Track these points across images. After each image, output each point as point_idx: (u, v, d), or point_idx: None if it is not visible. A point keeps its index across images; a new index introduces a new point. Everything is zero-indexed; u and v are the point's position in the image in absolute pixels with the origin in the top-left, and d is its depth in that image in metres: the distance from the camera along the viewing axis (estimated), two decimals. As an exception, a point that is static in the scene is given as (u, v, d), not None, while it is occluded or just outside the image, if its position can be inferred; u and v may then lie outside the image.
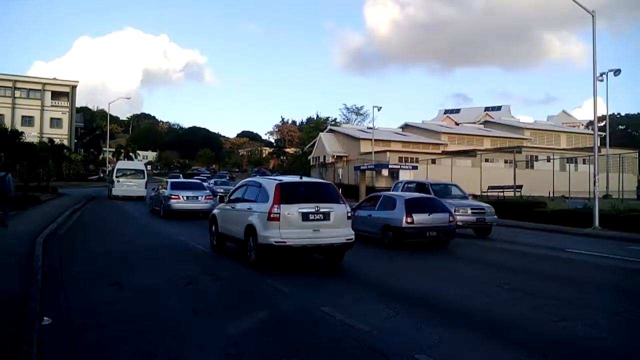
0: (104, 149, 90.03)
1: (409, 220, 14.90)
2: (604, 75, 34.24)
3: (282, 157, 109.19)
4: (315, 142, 72.57)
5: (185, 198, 23.71)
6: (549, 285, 10.46)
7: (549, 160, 43.63)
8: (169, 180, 27.72)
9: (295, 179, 12.21)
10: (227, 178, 64.99)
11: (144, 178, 36.37)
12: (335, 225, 11.03)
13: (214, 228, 13.94)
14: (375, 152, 52.45)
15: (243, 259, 11.84)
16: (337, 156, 64.00)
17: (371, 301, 8.72)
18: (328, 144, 66.61)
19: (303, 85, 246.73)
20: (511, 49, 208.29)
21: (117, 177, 36.02)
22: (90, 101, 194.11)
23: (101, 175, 74.01)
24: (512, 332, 7.07)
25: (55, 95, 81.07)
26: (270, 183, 11.63)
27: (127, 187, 35.49)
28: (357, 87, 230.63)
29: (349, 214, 11.52)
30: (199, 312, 7.79)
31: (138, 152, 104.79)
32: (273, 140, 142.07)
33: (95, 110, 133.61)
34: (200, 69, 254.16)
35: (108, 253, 13.39)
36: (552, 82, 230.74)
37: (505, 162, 51.19)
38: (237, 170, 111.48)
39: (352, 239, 11.33)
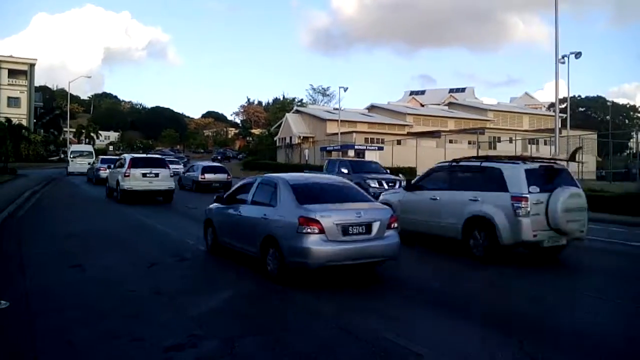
0: (65, 129, 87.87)
1: None
2: (565, 58, 34.92)
3: (248, 138, 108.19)
4: (282, 122, 72.27)
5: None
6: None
7: (511, 142, 44.39)
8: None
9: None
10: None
11: (92, 158, 42.43)
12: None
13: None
14: (342, 133, 52.54)
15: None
16: (304, 137, 63.89)
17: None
18: (294, 125, 66.41)
19: (269, 65, 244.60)
20: (476, 31, 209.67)
21: (71, 158, 45.36)
22: (50, 80, 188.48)
23: (62, 156, 72.20)
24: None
25: (13, 73, 78.44)
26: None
27: (79, 165, 42.78)
28: (324, 68, 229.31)
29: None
30: (161, 293, 7.72)
31: (100, 132, 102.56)
32: (239, 121, 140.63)
33: (55, 89, 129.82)
34: (164, 48, 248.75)
35: (69, 235, 13.11)
36: (515, 64, 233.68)
37: (469, 143, 51.89)
38: (202, 151, 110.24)
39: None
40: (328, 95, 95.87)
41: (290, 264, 8.12)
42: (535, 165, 10.91)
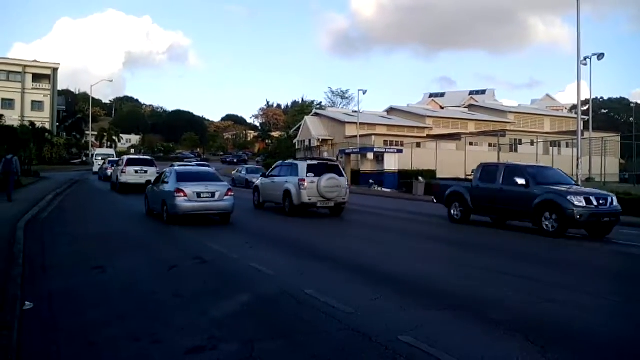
0: (87, 132, 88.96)
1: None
2: (587, 60, 34.43)
3: (267, 141, 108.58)
4: (301, 125, 72.35)
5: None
6: (536, 269, 10.57)
7: (532, 144, 43.93)
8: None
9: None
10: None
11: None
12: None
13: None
14: (361, 136, 52.42)
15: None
16: (323, 140, 63.90)
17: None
18: (313, 128, 66.46)
19: (288, 68, 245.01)
20: (496, 33, 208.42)
21: (95, 159, 51.52)
22: (72, 84, 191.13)
23: (84, 159, 73.15)
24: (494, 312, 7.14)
25: (36, 77, 79.68)
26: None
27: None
28: (343, 71, 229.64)
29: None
30: (181, 295, 7.77)
31: (121, 135, 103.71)
32: (258, 124, 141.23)
33: (78, 93, 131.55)
34: (184, 51, 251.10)
35: (91, 237, 13.30)
36: (536, 66, 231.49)
37: (490, 145, 51.45)
38: (221, 153, 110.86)
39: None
40: (347, 98, 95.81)
41: (170, 213, 15.89)
42: (315, 162, 20.76)
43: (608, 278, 10.32)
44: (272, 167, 22.98)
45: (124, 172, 28.49)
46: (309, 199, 18.77)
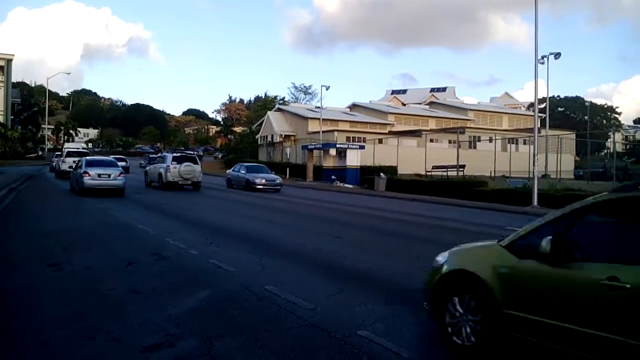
0: (43, 126, 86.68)
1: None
2: (545, 58, 35.29)
3: (229, 136, 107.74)
4: (263, 121, 72.10)
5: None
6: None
7: (491, 141, 44.78)
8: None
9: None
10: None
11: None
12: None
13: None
14: (323, 132, 52.54)
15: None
16: (285, 135, 63.83)
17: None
18: (276, 123, 66.29)
19: (251, 63, 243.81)
20: (457, 30, 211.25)
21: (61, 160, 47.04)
22: (28, 76, 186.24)
23: (40, 153, 71.23)
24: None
25: (-11, 68, 77.18)
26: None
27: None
28: (306, 66, 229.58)
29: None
30: (139, 292, 7.67)
31: (79, 129, 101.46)
32: (220, 119, 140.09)
33: (33, 85, 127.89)
34: (145, 44, 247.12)
35: (46, 233, 12.98)
36: (496, 64, 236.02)
37: (450, 142, 52.23)
38: (182, 148, 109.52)
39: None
40: (310, 93, 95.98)
41: (79, 188, 23.92)
42: (178, 154, 31.87)
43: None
44: (155, 157, 39.04)
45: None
46: (172, 179, 28.58)
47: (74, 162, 30.20)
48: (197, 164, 29.91)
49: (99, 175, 24.01)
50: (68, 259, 9.92)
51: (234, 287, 8.02)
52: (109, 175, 24.30)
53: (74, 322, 6.27)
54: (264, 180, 32.37)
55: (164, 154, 32.73)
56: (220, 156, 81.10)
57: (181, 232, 13.60)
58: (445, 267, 5.81)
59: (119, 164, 28.58)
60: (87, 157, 27.67)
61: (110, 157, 32.56)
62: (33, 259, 9.88)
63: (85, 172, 23.74)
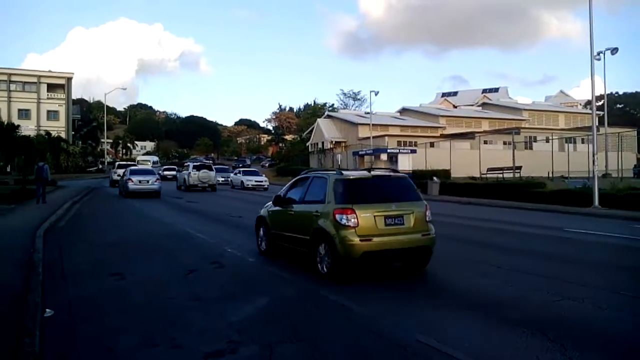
0: (102, 140, 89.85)
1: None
2: (601, 54, 34.03)
3: (280, 144, 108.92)
4: (313, 128, 72.51)
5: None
6: (550, 264, 10.49)
7: (547, 141, 43.64)
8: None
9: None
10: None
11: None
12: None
13: None
14: (374, 137, 52.41)
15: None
16: (336, 142, 63.99)
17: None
18: (326, 130, 66.54)
19: (299, 71, 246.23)
20: (508, 29, 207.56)
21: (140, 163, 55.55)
22: (86, 93, 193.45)
23: (100, 166, 73.80)
24: (512, 312, 7.10)
25: (51, 87, 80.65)
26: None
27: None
28: (354, 72, 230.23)
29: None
30: (200, 299, 7.81)
31: (136, 142, 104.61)
32: (271, 128, 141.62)
33: (92, 101, 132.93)
34: (196, 58, 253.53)
35: (109, 244, 13.39)
36: (549, 62, 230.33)
37: (504, 143, 51.20)
38: (235, 158, 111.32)
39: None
40: (359, 99, 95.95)
41: (125, 191, 30.63)
42: (197, 162, 43.91)
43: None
44: (184, 166, 43.26)
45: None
46: (193, 182, 36.65)
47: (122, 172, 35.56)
48: (212, 170, 38.21)
49: (140, 182, 30.25)
50: (130, 268, 10.21)
51: (292, 294, 8.06)
52: (148, 181, 30.54)
53: (137, 330, 6.43)
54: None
55: (187, 163, 41.51)
56: (267, 164, 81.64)
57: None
58: (260, 213, 11.95)
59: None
60: (131, 167, 34.89)
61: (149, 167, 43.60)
62: (97, 269, 10.21)
63: (129, 179, 30.29)
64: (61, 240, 13.98)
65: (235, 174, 45.87)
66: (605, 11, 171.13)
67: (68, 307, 7.39)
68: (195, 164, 40.05)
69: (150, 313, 7.18)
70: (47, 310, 7.08)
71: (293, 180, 11.13)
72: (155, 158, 75.91)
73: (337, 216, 8.61)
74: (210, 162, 54.03)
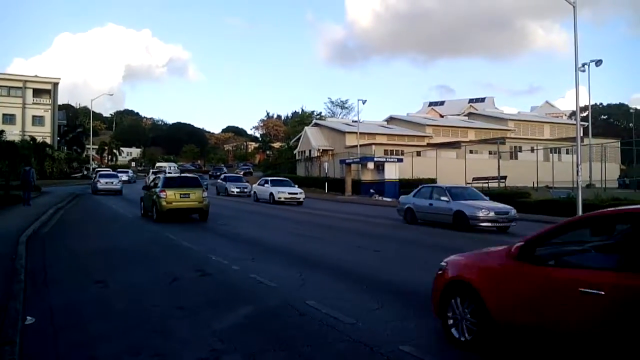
0: (88, 146, 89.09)
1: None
2: (585, 66, 34.57)
3: (267, 152, 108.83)
4: (301, 136, 72.53)
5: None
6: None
7: (532, 151, 44.04)
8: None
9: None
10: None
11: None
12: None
13: None
14: (361, 146, 52.54)
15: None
16: (323, 150, 64.03)
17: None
18: (313, 138, 66.60)
19: (287, 79, 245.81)
20: (494, 39, 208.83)
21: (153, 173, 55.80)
22: (72, 98, 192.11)
23: (85, 172, 73.20)
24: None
25: (37, 92, 79.95)
26: None
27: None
28: (341, 80, 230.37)
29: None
30: (184, 308, 7.77)
31: (122, 149, 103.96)
32: (258, 135, 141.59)
33: (78, 107, 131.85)
34: (184, 64, 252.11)
35: (92, 251, 13.29)
36: (535, 73, 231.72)
37: (490, 153, 51.54)
38: (222, 165, 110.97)
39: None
40: (346, 107, 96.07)
41: (93, 190, 40.42)
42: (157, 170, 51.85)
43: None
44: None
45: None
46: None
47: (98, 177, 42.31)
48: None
49: (106, 183, 40.11)
50: (113, 275, 10.14)
51: (276, 302, 8.05)
52: (112, 182, 40.42)
53: (120, 338, 6.39)
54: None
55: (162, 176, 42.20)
56: (242, 172, 77.51)
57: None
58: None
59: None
60: (101, 172, 44.20)
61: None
62: (80, 276, 10.13)
63: (98, 180, 40.27)
64: (45, 246, 13.86)
65: (221, 180, 45.23)
66: (590, 22, 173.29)
67: (50, 315, 7.31)
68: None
69: (134, 321, 7.13)
70: (28, 317, 7.00)
71: None
72: (174, 164, 79.27)
73: None
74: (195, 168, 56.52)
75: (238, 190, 40.90)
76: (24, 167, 27.38)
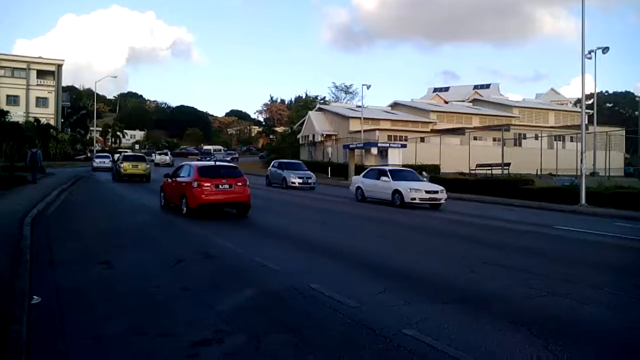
0: (91, 128, 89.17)
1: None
2: (592, 53, 34.29)
3: (271, 136, 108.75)
4: (305, 120, 72.41)
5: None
6: (536, 261, 10.61)
7: (536, 138, 43.96)
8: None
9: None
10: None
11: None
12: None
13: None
14: (365, 131, 52.45)
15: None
16: (327, 135, 63.96)
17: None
18: (317, 123, 66.48)
19: (292, 63, 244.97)
20: (501, 25, 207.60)
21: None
22: (76, 80, 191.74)
23: (88, 155, 73.25)
24: (498, 305, 7.19)
25: (41, 74, 79.76)
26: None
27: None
28: (346, 65, 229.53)
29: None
30: (188, 289, 7.83)
31: (125, 131, 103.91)
32: (262, 119, 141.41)
33: (82, 89, 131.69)
34: (188, 47, 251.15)
35: (97, 232, 13.37)
36: (541, 60, 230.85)
37: (494, 140, 51.39)
38: (225, 149, 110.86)
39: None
40: (351, 93, 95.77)
41: (92, 168, 48.65)
42: (129, 154, 43.99)
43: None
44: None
45: (95, 160, 51.00)
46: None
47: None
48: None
49: (100, 162, 48.47)
50: (118, 256, 10.21)
51: (279, 286, 8.11)
52: (105, 162, 48.17)
53: (125, 318, 6.45)
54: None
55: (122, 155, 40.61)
56: (229, 158, 76.27)
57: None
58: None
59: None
60: (97, 153, 55.92)
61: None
62: (85, 257, 10.19)
63: (94, 160, 50.14)
64: (49, 227, 13.93)
65: (275, 167, 36.45)
66: (598, 9, 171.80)
67: (55, 295, 7.38)
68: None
69: (138, 301, 7.20)
70: (35, 297, 7.07)
71: None
72: (220, 147, 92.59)
73: None
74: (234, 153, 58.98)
75: (300, 181, 33.18)
76: (32, 149, 29.70)
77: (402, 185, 22.63)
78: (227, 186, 16.80)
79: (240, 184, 17.03)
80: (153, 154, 67.57)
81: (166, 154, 67.40)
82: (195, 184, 16.37)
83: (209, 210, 16.66)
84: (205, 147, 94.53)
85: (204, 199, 16.27)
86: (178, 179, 18.01)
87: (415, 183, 23.29)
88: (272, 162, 38.20)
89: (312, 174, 34.77)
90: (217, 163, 19.76)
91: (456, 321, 6.45)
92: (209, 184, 16.45)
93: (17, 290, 7.05)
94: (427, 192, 22.38)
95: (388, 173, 24.07)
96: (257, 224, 15.87)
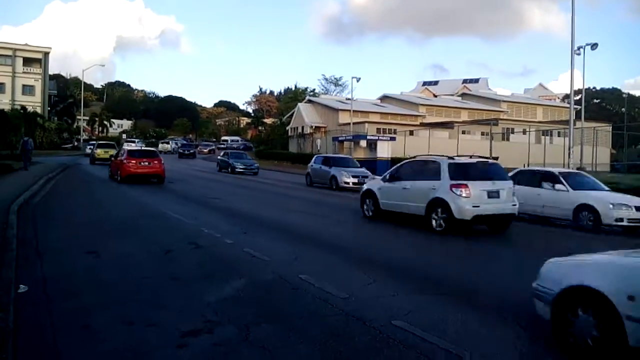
0: (78, 117, 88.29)
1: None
2: (581, 49, 34.48)
3: (260, 128, 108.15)
4: (294, 112, 72.21)
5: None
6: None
7: (524, 133, 44.08)
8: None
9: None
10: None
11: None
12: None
13: None
14: (354, 123, 52.38)
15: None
16: (316, 127, 63.82)
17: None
18: (306, 115, 66.33)
19: (281, 55, 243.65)
20: (491, 19, 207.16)
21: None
22: (63, 68, 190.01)
23: (75, 144, 72.63)
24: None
25: (27, 61, 78.70)
26: None
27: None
28: (336, 57, 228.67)
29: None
30: (177, 279, 7.80)
31: (113, 120, 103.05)
32: (251, 111, 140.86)
33: (69, 77, 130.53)
34: (176, 37, 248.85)
35: (84, 221, 13.27)
36: (530, 54, 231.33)
37: (482, 134, 51.56)
38: (214, 140, 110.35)
39: None
40: (340, 85, 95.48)
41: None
42: (102, 142, 47.36)
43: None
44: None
45: (91, 149, 46.12)
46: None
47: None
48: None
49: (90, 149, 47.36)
50: (105, 246, 10.14)
51: (269, 276, 8.09)
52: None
53: (113, 307, 6.43)
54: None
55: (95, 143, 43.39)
56: (206, 150, 75.96)
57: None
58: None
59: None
60: (99, 142, 49.99)
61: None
62: (72, 246, 10.12)
63: (90, 148, 46.87)
64: (36, 216, 13.81)
65: (317, 163, 30.55)
66: (586, 5, 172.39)
67: (43, 284, 7.33)
68: (100, 143, 44.79)
69: (127, 291, 7.16)
70: (21, 286, 7.01)
71: None
72: (237, 138, 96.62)
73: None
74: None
75: (355, 181, 26.42)
76: (23, 138, 31.50)
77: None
78: (146, 163, 24.65)
79: (156, 162, 24.93)
80: (159, 144, 73.96)
81: (168, 143, 76.47)
82: (125, 162, 24.20)
83: (134, 179, 23.91)
84: (223, 138, 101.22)
85: (131, 171, 23.99)
86: (117, 159, 25.74)
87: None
88: (314, 157, 32.12)
89: (367, 171, 29.02)
90: (143, 148, 28.45)
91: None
92: (134, 161, 24.37)
93: (3, 279, 6.99)
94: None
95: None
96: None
